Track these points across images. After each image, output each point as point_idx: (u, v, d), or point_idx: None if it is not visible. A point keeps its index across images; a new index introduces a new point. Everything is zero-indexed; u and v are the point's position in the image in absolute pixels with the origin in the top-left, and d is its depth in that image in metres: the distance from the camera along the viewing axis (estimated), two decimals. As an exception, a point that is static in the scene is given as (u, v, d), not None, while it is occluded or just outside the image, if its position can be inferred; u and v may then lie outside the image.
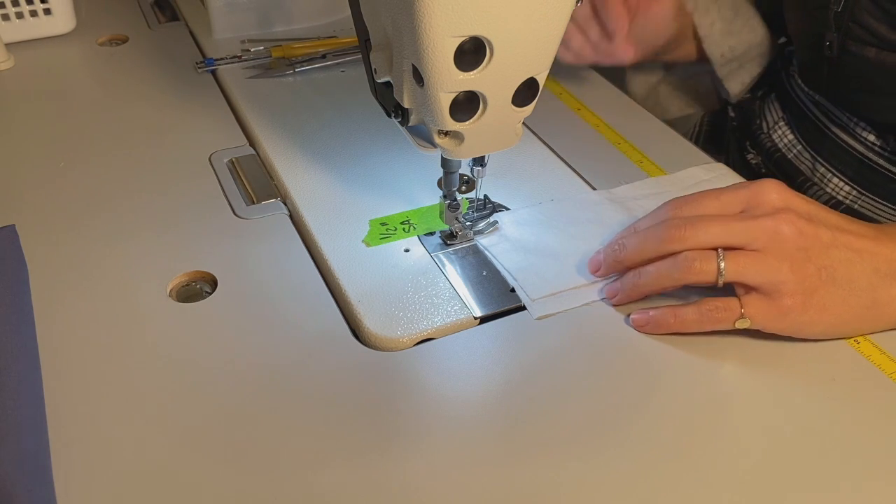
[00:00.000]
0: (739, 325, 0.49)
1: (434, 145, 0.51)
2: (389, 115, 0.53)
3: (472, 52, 0.45)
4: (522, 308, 0.54)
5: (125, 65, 0.84)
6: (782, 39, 0.83)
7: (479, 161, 0.56)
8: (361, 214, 0.61)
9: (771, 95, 0.84)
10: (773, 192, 0.51)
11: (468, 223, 0.59)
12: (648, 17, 0.74)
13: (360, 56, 0.54)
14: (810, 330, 0.50)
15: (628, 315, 0.53)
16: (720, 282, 0.49)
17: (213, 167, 0.67)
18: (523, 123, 0.52)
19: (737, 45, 0.79)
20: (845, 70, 0.70)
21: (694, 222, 0.50)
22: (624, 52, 0.72)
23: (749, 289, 0.49)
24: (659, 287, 0.52)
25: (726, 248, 0.49)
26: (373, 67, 0.52)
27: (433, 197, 0.62)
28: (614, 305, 0.53)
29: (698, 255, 0.49)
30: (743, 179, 0.67)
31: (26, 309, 0.52)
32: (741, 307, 0.49)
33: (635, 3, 0.73)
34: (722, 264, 0.48)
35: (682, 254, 0.50)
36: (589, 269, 0.55)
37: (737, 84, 0.82)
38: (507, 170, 0.66)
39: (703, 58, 0.81)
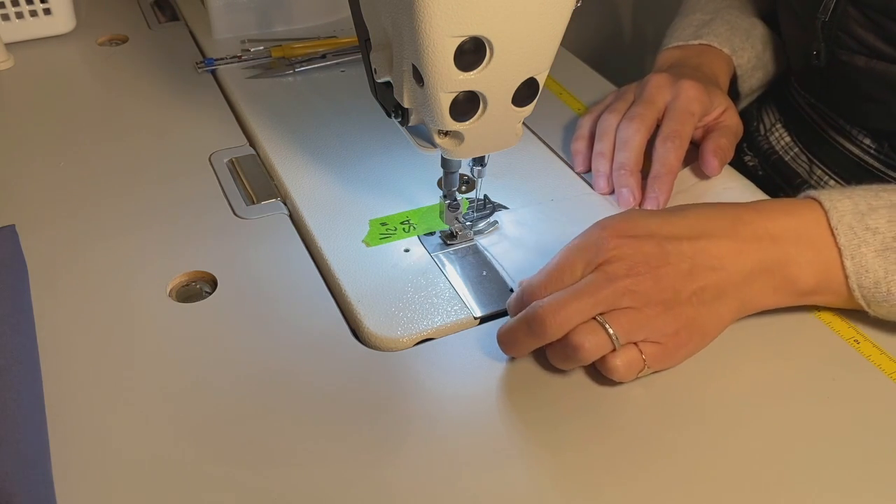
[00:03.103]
0: (642, 375, 0.48)
1: (434, 145, 0.52)
2: (389, 115, 0.53)
3: (472, 52, 0.45)
4: (522, 308, 0.54)
5: (125, 65, 0.84)
6: None
7: (479, 161, 0.56)
8: (361, 214, 0.61)
9: (768, 98, 0.84)
10: (614, 245, 0.47)
11: (468, 223, 0.59)
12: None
13: (360, 56, 0.54)
14: (693, 354, 0.50)
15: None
16: (618, 346, 0.46)
17: (213, 167, 0.67)
18: (523, 123, 0.52)
19: (762, 76, 0.79)
20: (836, 78, 0.70)
21: (555, 309, 0.46)
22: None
23: (637, 342, 0.47)
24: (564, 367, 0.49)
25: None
26: (373, 67, 0.52)
27: (433, 197, 0.62)
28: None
29: (586, 336, 0.46)
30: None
31: (26, 309, 0.52)
32: (643, 359, 0.47)
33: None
34: (610, 331, 0.46)
35: (569, 342, 0.46)
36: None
37: (743, 104, 0.82)
38: (507, 170, 0.66)
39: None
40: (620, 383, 0.48)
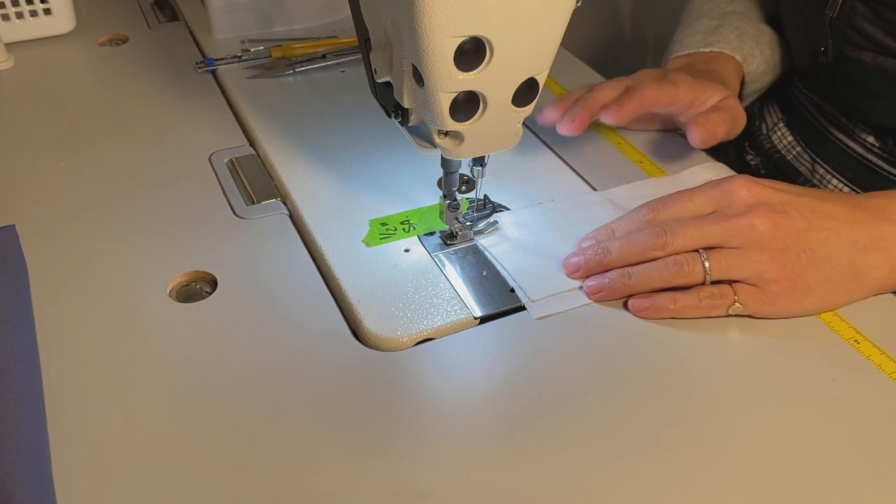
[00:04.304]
0: (733, 311, 0.52)
1: (434, 145, 0.52)
2: (389, 115, 0.53)
3: (472, 52, 0.45)
4: (522, 308, 0.54)
5: (125, 65, 0.84)
6: None
7: (479, 161, 0.56)
8: (361, 214, 0.61)
9: (770, 97, 0.84)
10: (742, 189, 0.53)
11: (468, 223, 0.59)
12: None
13: (360, 56, 0.55)
14: (798, 310, 0.53)
15: (625, 304, 0.53)
16: (708, 280, 0.51)
17: (213, 167, 0.67)
18: (523, 123, 0.52)
19: (768, 80, 0.79)
20: (842, 74, 0.70)
21: (673, 229, 0.52)
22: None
23: (737, 280, 0.52)
24: (649, 288, 0.53)
25: (708, 248, 0.52)
26: (373, 67, 0.52)
27: (433, 197, 0.62)
28: (595, 301, 0.54)
29: (685, 259, 0.52)
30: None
31: (26, 309, 0.52)
32: (734, 294, 0.51)
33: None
34: (707, 264, 0.51)
35: (671, 258, 0.52)
36: (566, 271, 0.56)
37: (744, 104, 0.82)
38: (507, 170, 0.66)
39: None
40: (622, 384, 0.48)
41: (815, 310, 0.53)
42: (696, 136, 0.64)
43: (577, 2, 0.46)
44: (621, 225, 0.56)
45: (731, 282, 0.52)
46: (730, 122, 0.66)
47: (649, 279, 0.52)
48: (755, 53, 0.76)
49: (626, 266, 0.53)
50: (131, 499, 0.42)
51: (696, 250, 0.52)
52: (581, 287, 0.55)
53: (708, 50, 0.75)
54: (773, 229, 0.51)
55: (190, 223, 0.61)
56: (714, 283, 0.52)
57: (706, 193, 0.54)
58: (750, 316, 0.52)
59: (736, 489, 0.43)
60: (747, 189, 0.53)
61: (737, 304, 0.51)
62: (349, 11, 0.52)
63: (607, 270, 0.54)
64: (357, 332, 0.52)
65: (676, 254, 0.52)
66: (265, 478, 0.43)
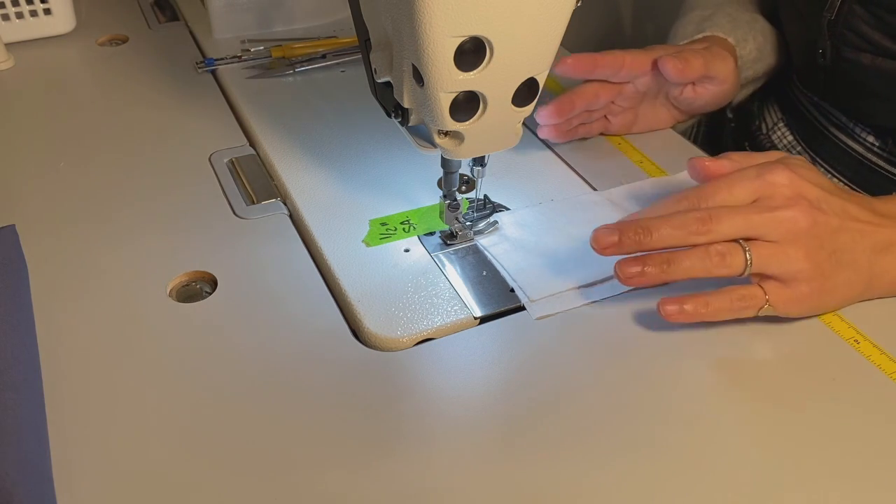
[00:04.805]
0: (762, 313, 0.51)
1: (434, 145, 0.52)
2: (389, 115, 0.53)
3: (472, 52, 0.45)
4: (522, 308, 0.54)
5: (125, 65, 0.84)
6: None
7: (479, 161, 0.56)
8: (361, 214, 0.61)
9: (770, 97, 0.84)
10: (784, 181, 0.51)
11: (468, 223, 0.59)
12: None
13: (360, 56, 0.55)
14: (820, 310, 0.53)
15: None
16: (746, 273, 0.50)
17: (213, 167, 0.67)
18: (523, 123, 0.52)
19: (761, 68, 0.79)
20: (841, 75, 0.70)
21: (719, 215, 0.50)
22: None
23: (766, 277, 0.50)
24: (686, 277, 0.51)
25: (746, 240, 0.50)
26: (373, 67, 0.52)
27: (433, 197, 0.62)
28: (627, 285, 0.52)
29: (728, 249, 0.49)
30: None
31: (26, 309, 0.52)
32: (765, 295, 0.50)
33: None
34: (749, 255, 0.49)
35: (713, 247, 0.50)
36: (595, 245, 0.51)
37: (741, 95, 0.82)
38: (507, 170, 0.66)
39: None
40: (622, 384, 0.48)
41: (831, 310, 0.53)
42: (667, 65, 0.65)
43: (577, 2, 0.46)
44: (658, 209, 0.52)
45: (757, 279, 0.50)
46: (705, 56, 0.66)
47: (690, 268, 0.50)
48: (748, 38, 0.76)
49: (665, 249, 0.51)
50: (131, 499, 0.42)
51: (737, 241, 0.50)
52: (581, 287, 0.55)
53: (700, 36, 0.75)
54: (812, 226, 0.50)
55: (190, 223, 0.61)
56: (740, 281, 0.50)
57: (747, 184, 0.51)
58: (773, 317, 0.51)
59: (735, 489, 0.43)
60: (788, 181, 0.51)
61: (767, 306, 0.50)
62: (349, 11, 0.52)
63: (643, 251, 0.51)
64: (357, 331, 0.52)
65: (716, 242, 0.50)
66: (264, 477, 0.43)
